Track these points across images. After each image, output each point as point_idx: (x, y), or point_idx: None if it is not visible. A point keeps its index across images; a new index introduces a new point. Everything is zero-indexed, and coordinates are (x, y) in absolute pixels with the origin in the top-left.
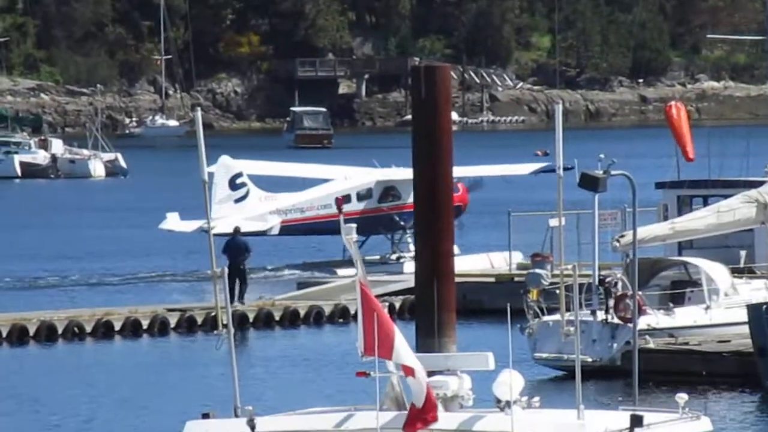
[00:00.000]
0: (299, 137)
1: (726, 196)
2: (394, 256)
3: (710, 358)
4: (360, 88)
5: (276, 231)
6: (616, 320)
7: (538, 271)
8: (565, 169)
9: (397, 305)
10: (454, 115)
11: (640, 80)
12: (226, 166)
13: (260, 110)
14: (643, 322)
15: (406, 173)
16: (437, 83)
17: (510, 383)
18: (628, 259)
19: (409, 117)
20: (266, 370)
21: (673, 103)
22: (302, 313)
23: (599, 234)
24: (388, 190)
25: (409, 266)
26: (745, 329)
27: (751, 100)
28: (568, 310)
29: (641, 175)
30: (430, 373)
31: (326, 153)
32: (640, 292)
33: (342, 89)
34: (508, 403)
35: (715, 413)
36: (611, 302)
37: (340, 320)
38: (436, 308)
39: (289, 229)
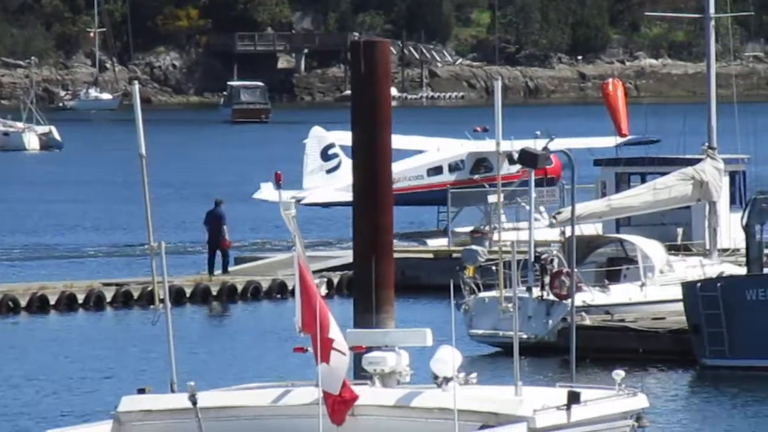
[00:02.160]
0: (236, 112)
1: (663, 174)
2: (486, 228)
3: (646, 335)
4: (299, 63)
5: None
6: (551, 297)
7: (474, 247)
8: (650, 142)
9: (335, 281)
10: (394, 91)
11: (579, 57)
12: (318, 137)
13: (199, 84)
14: (578, 299)
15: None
16: (377, 59)
17: (448, 359)
18: (564, 236)
19: (349, 92)
20: (203, 345)
21: (610, 80)
22: (240, 288)
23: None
24: (480, 162)
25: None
26: (680, 306)
27: (689, 77)
28: (504, 286)
29: (580, 152)
30: (368, 349)
31: (264, 128)
32: (575, 269)
33: (281, 64)
34: (445, 379)
35: (652, 390)
36: (547, 279)
37: (278, 296)
38: (374, 284)
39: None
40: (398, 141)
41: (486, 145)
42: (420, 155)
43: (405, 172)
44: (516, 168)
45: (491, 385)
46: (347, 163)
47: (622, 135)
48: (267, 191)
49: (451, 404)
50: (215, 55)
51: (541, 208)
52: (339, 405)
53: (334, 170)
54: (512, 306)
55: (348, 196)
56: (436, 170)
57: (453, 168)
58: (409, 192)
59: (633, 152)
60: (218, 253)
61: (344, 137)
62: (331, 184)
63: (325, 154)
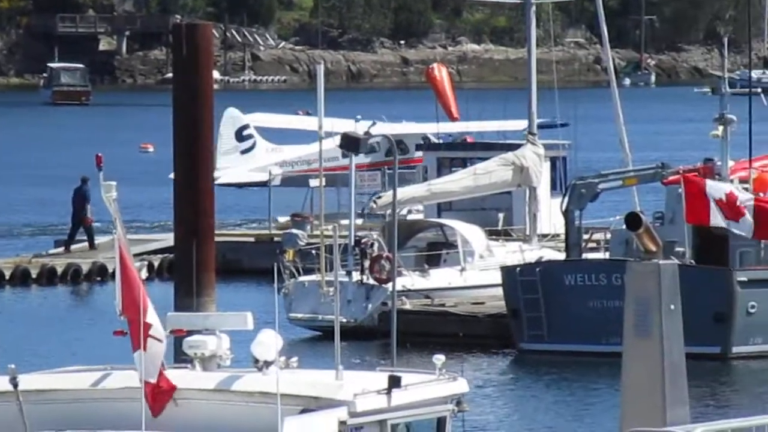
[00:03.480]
0: (56, 93)
1: (484, 159)
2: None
3: (466, 319)
4: (121, 45)
5: (278, 182)
6: (371, 281)
7: (294, 231)
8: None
9: (156, 264)
10: (216, 74)
11: (402, 42)
12: (232, 117)
13: (19, 66)
14: (398, 284)
15: (414, 128)
16: (198, 42)
17: (268, 343)
18: (385, 221)
19: (171, 75)
20: (24, 328)
21: (435, 65)
22: (60, 270)
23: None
24: (396, 144)
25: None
26: (500, 291)
27: (510, 63)
28: (325, 270)
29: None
30: (189, 333)
31: (84, 110)
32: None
33: (102, 46)
34: (266, 363)
35: (472, 374)
36: (367, 263)
37: (98, 278)
38: (195, 268)
39: (293, 181)
40: (309, 123)
41: (401, 128)
42: (335, 136)
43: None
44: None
45: (312, 369)
46: (262, 145)
47: (453, 119)
48: None
49: (271, 388)
50: (36, 37)
51: None
52: (158, 395)
53: (248, 151)
54: (332, 290)
55: (263, 176)
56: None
57: (368, 150)
58: (324, 173)
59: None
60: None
61: (259, 119)
62: (245, 164)
63: (240, 135)
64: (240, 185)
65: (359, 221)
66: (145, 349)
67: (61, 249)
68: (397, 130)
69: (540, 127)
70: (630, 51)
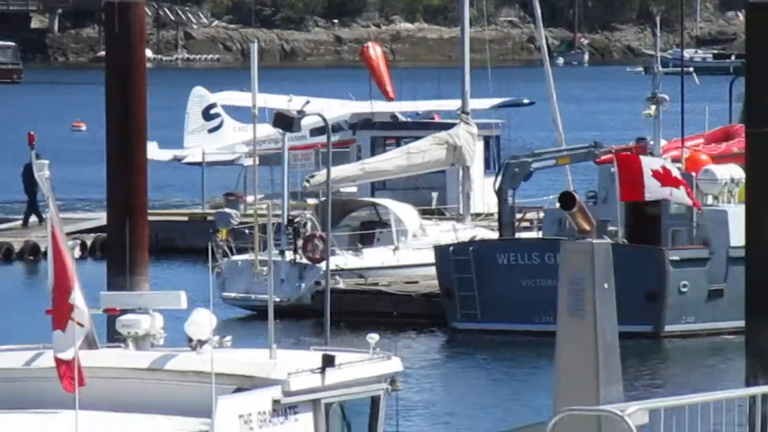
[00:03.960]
0: None
1: (418, 138)
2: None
3: (399, 298)
4: (53, 22)
5: (244, 161)
6: (304, 260)
7: (227, 210)
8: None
9: (89, 243)
10: (149, 53)
11: (335, 21)
12: (200, 96)
13: None
14: (332, 263)
15: (382, 106)
16: (131, 20)
17: (202, 322)
18: (319, 200)
19: (103, 53)
20: None
21: (369, 44)
22: None
23: (292, 174)
24: (366, 122)
25: None
26: (433, 270)
27: (444, 42)
28: (258, 249)
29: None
30: (122, 312)
31: (16, 88)
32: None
33: (34, 24)
34: (200, 342)
35: (405, 353)
36: (300, 242)
37: (31, 257)
38: (129, 247)
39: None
40: (278, 102)
41: (369, 106)
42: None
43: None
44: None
45: (246, 348)
46: (230, 123)
47: (388, 98)
48: (151, 150)
49: (205, 367)
50: None
51: None
52: (70, 372)
53: (215, 130)
54: (266, 269)
55: (230, 156)
56: (319, 131)
57: (336, 129)
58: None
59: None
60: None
61: (227, 97)
62: (212, 143)
63: (207, 114)
64: (207, 164)
65: (293, 201)
66: (63, 330)
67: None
68: (365, 109)
69: (506, 105)
70: (563, 30)
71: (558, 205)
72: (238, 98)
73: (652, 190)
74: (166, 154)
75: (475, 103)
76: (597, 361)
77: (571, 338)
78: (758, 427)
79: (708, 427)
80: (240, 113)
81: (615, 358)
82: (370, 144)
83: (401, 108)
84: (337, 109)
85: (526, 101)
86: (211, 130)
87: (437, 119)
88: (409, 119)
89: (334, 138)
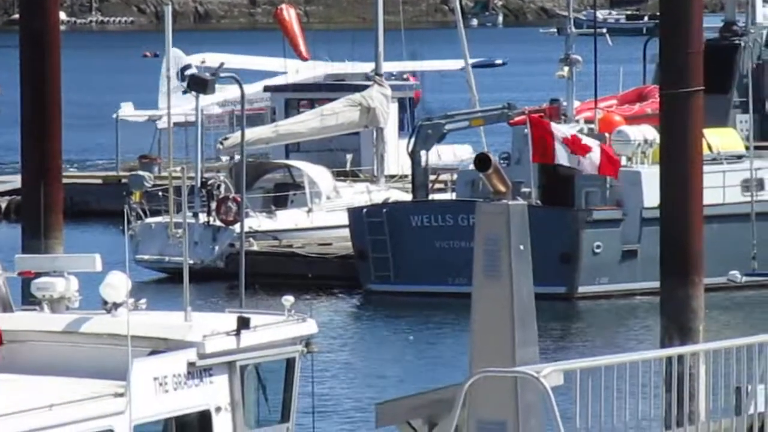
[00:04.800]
0: None
1: (332, 100)
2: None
3: (314, 260)
4: None
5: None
6: (218, 223)
7: (140, 173)
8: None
9: (3, 206)
10: (62, 15)
11: None
12: (175, 57)
13: None
14: (245, 225)
15: (356, 67)
16: None
17: (117, 285)
18: (232, 161)
19: (17, 16)
20: None
21: (283, 5)
22: None
23: (206, 137)
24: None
25: None
26: (347, 232)
27: (358, 3)
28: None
29: (251, 78)
30: (37, 275)
31: None
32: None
33: None
34: (115, 305)
35: (320, 315)
36: (214, 205)
37: None
38: (43, 209)
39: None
40: (257, 62)
41: (343, 67)
42: (277, 77)
43: (262, 93)
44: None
45: (161, 311)
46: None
47: (303, 59)
48: (128, 111)
49: (120, 329)
50: None
51: None
52: None
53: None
54: (180, 231)
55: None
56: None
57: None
58: (264, 113)
59: (301, 78)
60: None
61: (204, 58)
62: (187, 104)
63: (182, 76)
64: (182, 125)
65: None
66: None
67: None
68: (339, 70)
69: (479, 66)
70: None
71: (473, 166)
72: (211, 59)
73: (561, 156)
74: (141, 116)
75: (449, 64)
76: (513, 323)
77: (486, 299)
78: (674, 388)
79: (624, 387)
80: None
81: (531, 320)
82: (284, 106)
83: (389, 68)
84: (311, 70)
85: (498, 61)
86: (185, 92)
87: (412, 80)
88: (391, 79)
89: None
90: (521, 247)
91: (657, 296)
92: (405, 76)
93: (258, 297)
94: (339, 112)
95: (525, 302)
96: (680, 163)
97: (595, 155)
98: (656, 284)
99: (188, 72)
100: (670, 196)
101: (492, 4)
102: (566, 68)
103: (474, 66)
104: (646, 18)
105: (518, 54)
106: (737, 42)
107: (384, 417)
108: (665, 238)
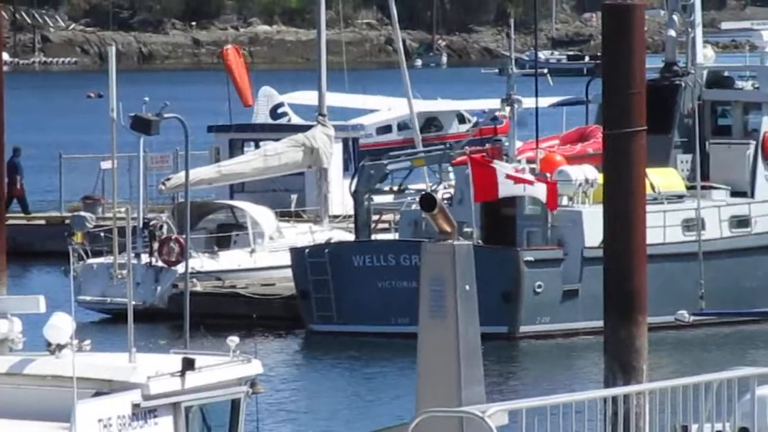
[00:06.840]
0: None
1: (276, 140)
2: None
3: (257, 301)
4: None
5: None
6: (160, 263)
7: (82, 213)
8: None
9: None
10: (6, 56)
11: (193, 23)
12: (267, 96)
13: None
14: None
15: (448, 105)
16: None
17: (61, 326)
18: (175, 202)
19: None
20: None
21: (229, 47)
22: None
23: (149, 177)
24: (430, 121)
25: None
26: (290, 272)
27: (302, 44)
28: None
29: (194, 118)
30: None
31: None
32: (184, 236)
33: None
34: (59, 346)
35: (265, 355)
36: (156, 245)
37: None
38: None
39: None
40: (351, 100)
41: (437, 105)
42: (371, 114)
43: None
44: (465, 127)
45: (105, 352)
46: (296, 122)
47: (246, 104)
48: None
49: (65, 371)
50: None
51: None
52: None
53: None
54: (123, 272)
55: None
56: (385, 129)
57: (402, 127)
58: (362, 150)
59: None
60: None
61: (294, 97)
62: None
63: (275, 113)
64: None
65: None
66: None
67: None
68: (431, 108)
69: (565, 104)
70: (422, 32)
71: (419, 206)
72: (304, 98)
73: (505, 189)
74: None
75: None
76: (459, 363)
77: (432, 340)
78: (620, 427)
79: (569, 427)
80: (306, 111)
81: (477, 360)
82: (228, 146)
83: (468, 106)
84: (405, 107)
85: (584, 99)
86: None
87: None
88: (477, 118)
89: (401, 136)
90: (467, 287)
91: (598, 335)
92: (496, 115)
93: (202, 338)
94: (282, 153)
95: (471, 342)
96: (623, 201)
97: (540, 186)
98: (597, 323)
99: (280, 110)
100: (613, 234)
101: (436, 45)
102: (507, 108)
103: (558, 105)
104: (586, 58)
105: (461, 94)
106: (678, 82)
107: None
108: (608, 276)
